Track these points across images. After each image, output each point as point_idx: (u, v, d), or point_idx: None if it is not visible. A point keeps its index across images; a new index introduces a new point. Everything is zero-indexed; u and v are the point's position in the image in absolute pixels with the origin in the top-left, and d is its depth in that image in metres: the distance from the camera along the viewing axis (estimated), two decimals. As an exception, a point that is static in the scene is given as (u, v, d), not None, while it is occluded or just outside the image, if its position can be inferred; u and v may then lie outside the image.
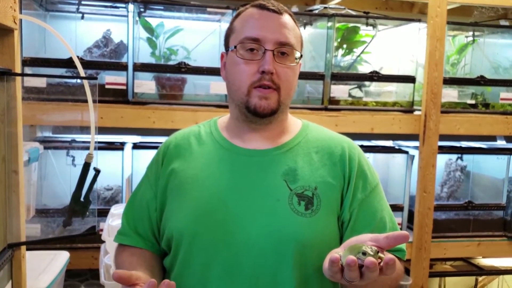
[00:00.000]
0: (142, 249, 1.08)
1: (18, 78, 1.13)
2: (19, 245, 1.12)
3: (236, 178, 1.02)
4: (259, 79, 0.99)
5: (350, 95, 2.30)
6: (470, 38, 2.56)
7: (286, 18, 1.03)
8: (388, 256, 0.78)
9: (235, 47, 1.02)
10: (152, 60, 2.15)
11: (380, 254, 0.80)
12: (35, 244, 1.46)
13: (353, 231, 1.02)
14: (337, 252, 0.84)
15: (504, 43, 2.62)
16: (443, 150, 2.38)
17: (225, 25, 1.07)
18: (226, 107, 1.13)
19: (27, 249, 1.28)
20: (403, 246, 1.07)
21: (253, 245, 0.96)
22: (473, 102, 2.45)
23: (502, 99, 2.45)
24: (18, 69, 1.14)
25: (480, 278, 2.78)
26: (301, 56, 1.05)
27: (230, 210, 0.99)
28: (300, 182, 1.00)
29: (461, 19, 2.51)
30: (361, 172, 1.05)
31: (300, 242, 0.96)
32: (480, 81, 2.41)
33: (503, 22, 2.52)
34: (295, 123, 1.12)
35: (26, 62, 1.99)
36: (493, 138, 2.82)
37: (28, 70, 2.02)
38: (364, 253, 0.78)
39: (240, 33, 1.03)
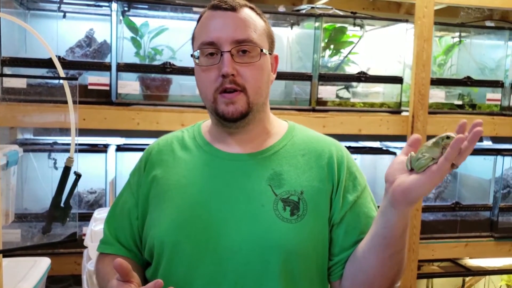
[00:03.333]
0: (123, 257, 1.04)
1: (-6, 79, 1.09)
2: (-5, 253, 1.07)
3: (219, 183, 0.98)
4: (221, 84, 0.95)
5: (337, 96, 2.29)
6: (457, 39, 2.57)
7: (243, 13, 0.98)
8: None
9: (194, 55, 0.99)
10: (137, 60, 2.10)
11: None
12: (12, 252, 1.41)
13: (344, 234, 1.00)
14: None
15: (490, 44, 2.63)
16: (430, 151, 2.37)
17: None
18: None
19: (5, 256, 1.23)
20: None
21: (237, 253, 0.92)
22: (460, 102, 2.45)
23: (488, 99, 2.46)
24: (-7, 69, 1.09)
25: (467, 279, 2.79)
26: (264, 50, 0.98)
27: (212, 217, 0.95)
28: (286, 187, 0.97)
29: (447, 20, 2.51)
30: (350, 175, 1.03)
31: (285, 248, 0.93)
32: (467, 81, 2.41)
33: (488, 23, 2.53)
34: (281, 125, 1.09)
35: (6, 62, 1.94)
36: (479, 139, 2.82)
37: (7, 70, 1.96)
38: (448, 137, 0.75)
39: (198, 39, 1.00)
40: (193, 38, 1.03)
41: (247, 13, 0.98)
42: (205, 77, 0.97)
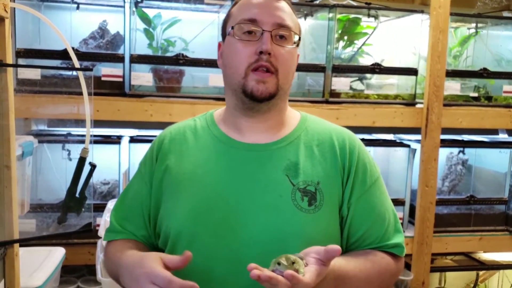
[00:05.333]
0: (135, 241, 1.04)
1: (10, 69, 1.09)
2: (12, 242, 1.08)
3: (236, 173, 0.98)
4: (256, 60, 0.96)
5: (351, 88, 2.26)
6: (473, 30, 2.52)
7: (283, 3, 1.02)
8: (288, 271, 0.77)
9: (232, 28, 1.00)
10: (149, 52, 2.10)
11: (296, 266, 0.80)
12: (28, 241, 1.43)
13: (351, 227, 1.01)
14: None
15: (507, 35, 2.58)
16: (445, 143, 2.35)
17: (223, 16, 1.05)
18: (224, 99, 1.09)
19: (21, 246, 1.24)
20: (400, 241, 1.05)
21: (256, 243, 0.93)
22: (475, 95, 2.41)
23: (505, 92, 2.42)
24: (9, 60, 1.09)
25: (480, 273, 2.76)
26: (300, 39, 1.03)
27: (231, 207, 0.95)
28: (302, 177, 0.97)
29: (463, 10, 2.47)
30: (361, 166, 1.02)
31: (304, 239, 0.93)
32: (483, 73, 2.37)
33: (506, 14, 2.48)
34: (294, 115, 1.09)
35: (20, 54, 1.95)
36: (495, 132, 2.79)
37: (22, 61, 1.97)
38: (279, 264, 0.81)
39: (237, 16, 1.01)
40: (228, 17, 1.04)
41: (286, 5, 1.03)
42: (240, 51, 0.98)
